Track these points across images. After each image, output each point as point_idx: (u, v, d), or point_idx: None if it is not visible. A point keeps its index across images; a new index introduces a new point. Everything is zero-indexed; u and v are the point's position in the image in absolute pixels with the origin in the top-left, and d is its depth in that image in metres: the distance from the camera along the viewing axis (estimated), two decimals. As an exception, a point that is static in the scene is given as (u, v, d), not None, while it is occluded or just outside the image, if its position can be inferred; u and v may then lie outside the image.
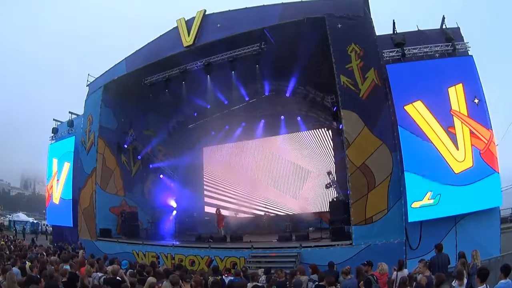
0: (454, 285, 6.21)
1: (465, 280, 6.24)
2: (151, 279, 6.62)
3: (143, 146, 19.44)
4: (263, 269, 9.18)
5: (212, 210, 20.34)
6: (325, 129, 19.18)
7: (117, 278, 6.90)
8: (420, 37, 12.16)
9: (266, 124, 20.06)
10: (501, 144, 11.94)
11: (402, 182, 10.84)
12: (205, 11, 14.67)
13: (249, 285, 7.01)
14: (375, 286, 6.22)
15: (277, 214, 19.45)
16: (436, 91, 11.22)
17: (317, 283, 7.11)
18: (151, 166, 20.17)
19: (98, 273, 7.50)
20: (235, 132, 20.79)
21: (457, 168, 10.73)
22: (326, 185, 15.92)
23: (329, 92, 15.39)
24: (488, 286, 5.29)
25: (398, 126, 11.07)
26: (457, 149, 10.83)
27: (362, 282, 6.40)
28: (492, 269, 6.25)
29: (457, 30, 12.16)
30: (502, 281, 5.09)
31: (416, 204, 10.61)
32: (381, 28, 12.44)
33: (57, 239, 20.59)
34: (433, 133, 10.97)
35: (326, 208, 16.89)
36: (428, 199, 10.61)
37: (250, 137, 20.70)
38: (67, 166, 19.75)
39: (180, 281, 6.14)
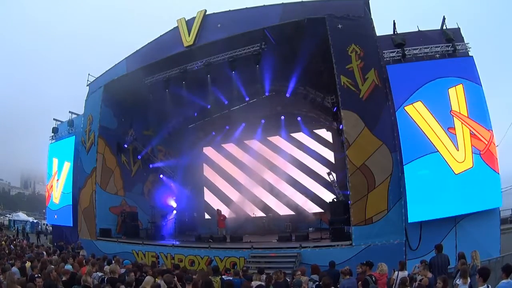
0: (458, 283, 6.20)
1: (469, 279, 6.24)
2: (149, 278, 6.62)
3: (143, 146, 19.45)
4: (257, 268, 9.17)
5: (212, 210, 20.37)
6: (325, 129, 19.19)
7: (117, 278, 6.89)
8: (420, 37, 12.17)
9: (266, 124, 20.07)
10: (501, 145, 11.97)
11: (402, 182, 10.84)
12: (205, 11, 14.68)
13: (253, 283, 7.03)
14: (372, 286, 6.23)
15: (277, 214, 19.45)
16: (437, 92, 11.22)
17: (317, 283, 7.11)
18: (151, 166, 20.17)
19: (98, 273, 7.52)
20: (235, 132, 20.82)
21: (457, 168, 10.73)
22: (326, 185, 15.92)
23: (329, 93, 15.40)
24: (489, 286, 5.28)
25: (398, 127, 11.07)
26: (457, 149, 10.84)
27: (360, 282, 6.42)
28: (492, 270, 6.24)
29: (457, 30, 12.16)
30: (504, 281, 5.08)
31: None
32: (382, 28, 12.46)
33: (57, 239, 20.59)
34: (433, 133, 10.98)
35: (326, 208, 16.89)
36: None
37: (250, 137, 20.71)
38: (67, 166, 19.75)
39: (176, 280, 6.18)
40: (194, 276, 6.87)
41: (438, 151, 10.87)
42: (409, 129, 11.04)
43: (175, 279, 6.46)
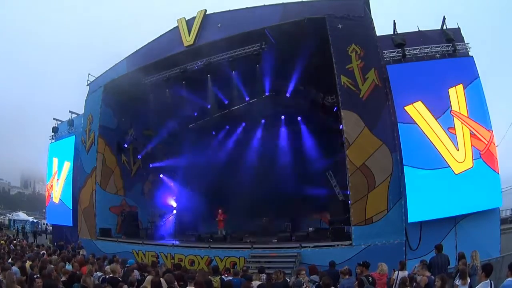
0: (457, 283, 6.20)
1: (469, 280, 6.24)
2: (150, 278, 6.62)
3: (143, 145, 19.46)
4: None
5: (212, 210, 20.35)
6: (325, 129, 19.16)
7: (118, 277, 6.89)
8: (420, 37, 12.17)
9: (266, 124, 20.06)
10: (501, 145, 11.97)
11: (402, 182, 10.84)
12: (205, 11, 14.69)
13: (254, 283, 7.03)
14: (367, 286, 6.26)
15: (277, 214, 19.42)
16: (437, 92, 11.22)
17: (317, 283, 7.11)
18: (151, 165, 20.18)
19: (97, 272, 7.52)
20: (235, 132, 20.80)
21: (457, 168, 10.73)
22: (326, 185, 15.93)
23: (330, 92, 15.39)
24: (492, 282, 5.27)
25: (398, 127, 11.07)
26: (457, 149, 10.84)
27: (356, 282, 6.46)
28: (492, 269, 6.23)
29: (457, 30, 12.15)
30: (509, 278, 5.08)
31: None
32: (382, 28, 12.46)
33: (57, 239, 20.61)
34: (433, 133, 10.97)
35: (326, 208, 16.90)
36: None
37: (250, 137, 20.69)
38: (67, 166, 19.76)
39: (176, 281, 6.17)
40: (196, 275, 6.86)
41: (438, 151, 10.87)
42: (409, 129, 11.04)
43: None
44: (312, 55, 13.97)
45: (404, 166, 10.78)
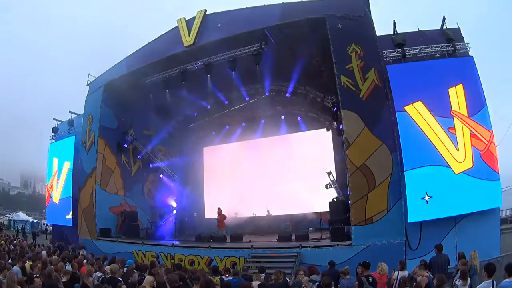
0: (458, 284, 6.20)
1: (469, 280, 6.23)
2: (149, 277, 6.61)
3: (143, 145, 19.46)
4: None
5: (212, 210, 20.35)
6: (325, 129, 19.18)
7: (118, 278, 6.88)
8: (420, 37, 12.17)
9: (266, 124, 20.07)
10: (501, 145, 11.97)
11: (402, 182, 10.84)
12: (205, 11, 14.71)
13: (254, 283, 7.02)
14: (366, 287, 6.26)
15: (277, 214, 19.43)
16: (437, 92, 11.22)
17: (318, 282, 7.11)
18: (151, 165, 20.18)
19: (97, 272, 7.52)
20: (235, 132, 20.83)
21: (457, 168, 10.73)
22: (326, 185, 15.92)
23: (329, 92, 15.39)
24: (494, 282, 5.28)
25: (398, 127, 11.07)
26: (457, 149, 10.83)
27: (356, 282, 6.46)
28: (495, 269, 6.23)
29: (457, 30, 12.17)
30: (507, 279, 5.08)
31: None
32: (382, 28, 12.46)
33: (57, 239, 20.60)
34: (433, 133, 10.97)
35: (326, 208, 16.87)
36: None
37: (250, 137, 20.70)
38: (67, 166, 19.76)
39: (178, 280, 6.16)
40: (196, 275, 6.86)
41: (438, 151, 10.87)
42: (409, 129, 11.04)
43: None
44: (312, 55, 13.99)
45: (405, 172, 10.78)
